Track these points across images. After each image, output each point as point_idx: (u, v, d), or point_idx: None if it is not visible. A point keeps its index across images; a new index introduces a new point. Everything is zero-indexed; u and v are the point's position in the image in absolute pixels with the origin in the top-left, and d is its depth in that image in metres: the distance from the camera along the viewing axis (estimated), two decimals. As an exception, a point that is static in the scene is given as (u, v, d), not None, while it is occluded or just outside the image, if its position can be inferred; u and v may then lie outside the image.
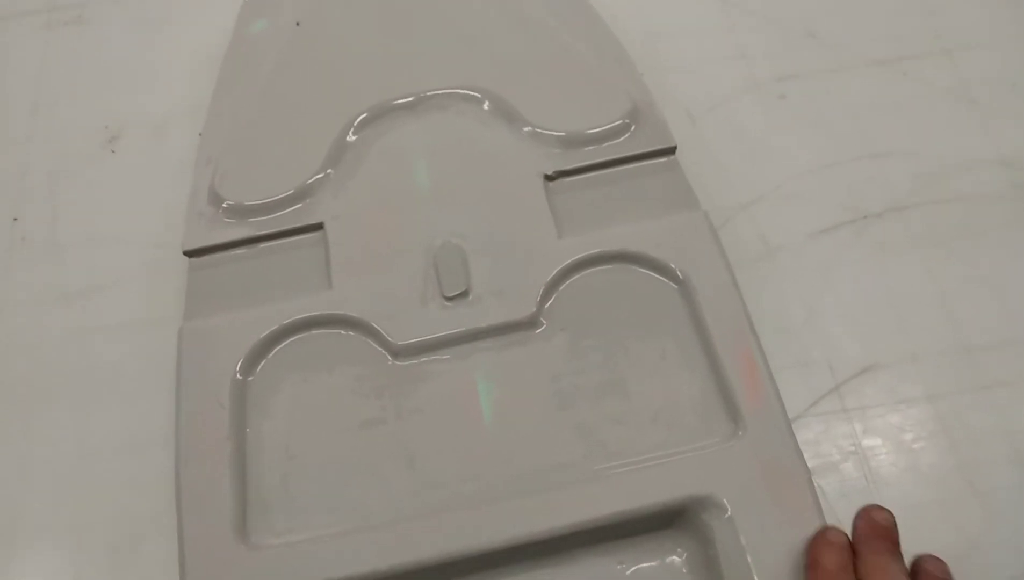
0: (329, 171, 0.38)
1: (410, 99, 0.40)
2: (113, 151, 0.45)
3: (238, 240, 0.37)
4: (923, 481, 0.34)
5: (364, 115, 0.40)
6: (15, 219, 0.43)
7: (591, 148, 0.38)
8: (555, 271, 0.35)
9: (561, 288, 0.35)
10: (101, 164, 0.45)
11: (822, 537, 0.28)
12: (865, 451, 0.35)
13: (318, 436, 0.32)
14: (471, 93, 0.40)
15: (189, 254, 0.37)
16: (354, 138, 0.39)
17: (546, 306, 0.34)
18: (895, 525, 0.29)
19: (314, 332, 0.35)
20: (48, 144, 0.45)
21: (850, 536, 0.29)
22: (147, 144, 0.45)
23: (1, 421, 0.38)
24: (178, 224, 0.42)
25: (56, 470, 0.37)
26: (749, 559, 0.28)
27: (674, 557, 0.30)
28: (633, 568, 0.30)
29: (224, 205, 0.38)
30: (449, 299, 0.34)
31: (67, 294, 0.41)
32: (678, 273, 0.34)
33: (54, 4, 0.50)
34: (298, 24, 0.44)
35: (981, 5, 0.47)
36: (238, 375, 0.33)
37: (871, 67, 0.45)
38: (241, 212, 0.38)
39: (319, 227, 0.37)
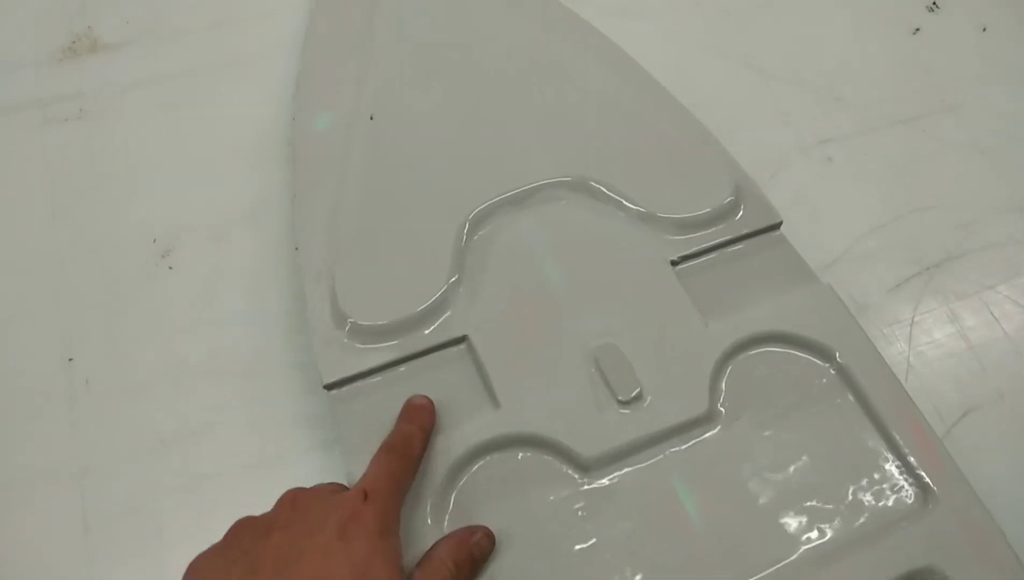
0: (455, 279, 0.37)
1: (516, 192, 0.39)
2: (171, 267, 0.40)
3: (380, 366, 0.35)
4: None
5: (473, 214, 0.38)
6: (70, 360, 0.37)
7: (708, 230, 0.39)
8: (714, 361, 0.35)
9: (724, 376, 0.36)
10: (159, 281, 0.40)
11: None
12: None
13: (539, 573, 0.31)
14: (579, 182, 0.40)
15: (329, 387, 0.34)
16: (471, 240, 0.38)
17: (717, 398, 0.35)
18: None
19: (493, 456, 0.33)
20: (93, 264, 0.40)
21: None
22: (205, 253, 0.41)
23: None
24: (268, 348, 0.39)
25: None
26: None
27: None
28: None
29: (349, 326, 0.35)
30: (624, 403, 0.34)
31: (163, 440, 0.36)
32: (826, 347, 0.36)
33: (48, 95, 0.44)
34: (372, 118, 0.41)
35: (967, 64, 0.53)
36: (428, 522, 0.31)
37: (895, 126, 0.50)
38: (374, 334, 0.35)
39: (462, 340, 0.36)
